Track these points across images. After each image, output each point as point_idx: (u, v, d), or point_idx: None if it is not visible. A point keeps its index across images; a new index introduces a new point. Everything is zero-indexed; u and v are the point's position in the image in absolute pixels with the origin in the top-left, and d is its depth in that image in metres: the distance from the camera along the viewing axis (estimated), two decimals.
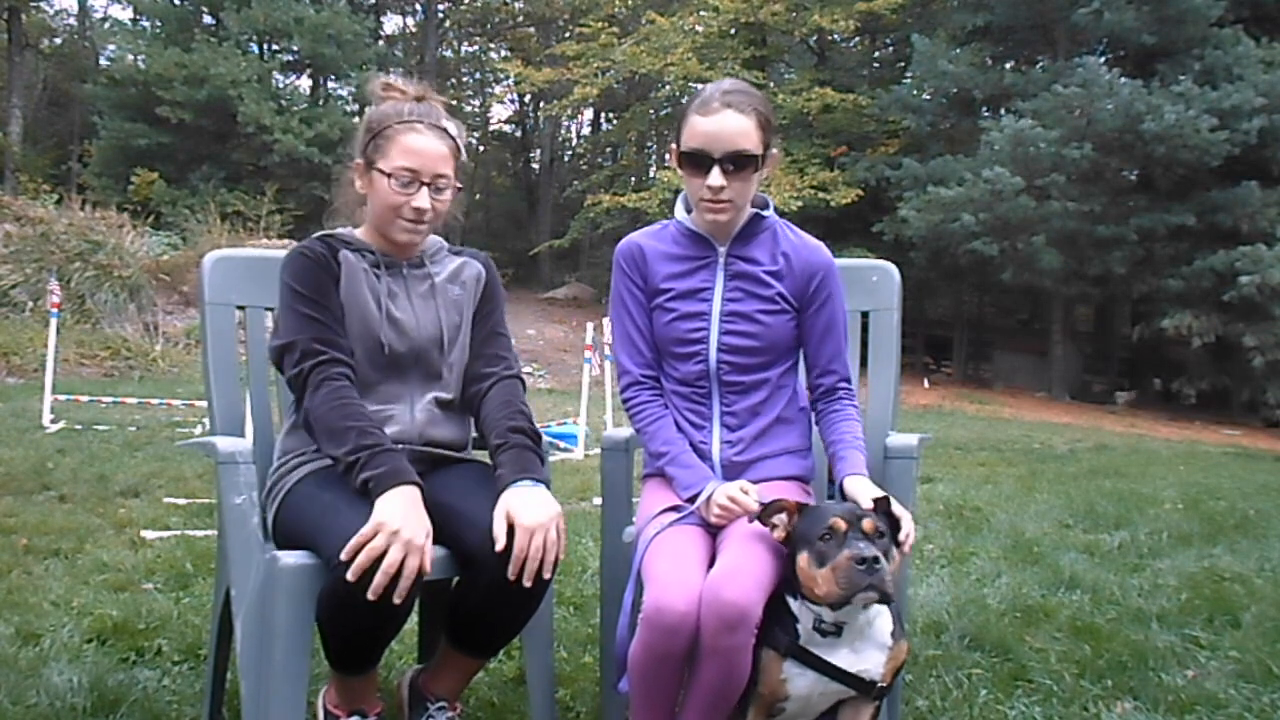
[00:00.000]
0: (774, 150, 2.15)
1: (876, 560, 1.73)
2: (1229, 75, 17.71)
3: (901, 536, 1.88)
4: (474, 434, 2.27)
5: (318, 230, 2.24)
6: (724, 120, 2.05)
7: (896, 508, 1.89)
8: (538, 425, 2.14)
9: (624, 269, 2.25)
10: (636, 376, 2.24)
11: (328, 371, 2.01)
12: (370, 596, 1.75)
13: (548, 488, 2.00)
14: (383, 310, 2.12)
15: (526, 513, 1.90)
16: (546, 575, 1.92)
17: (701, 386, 2.20)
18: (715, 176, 2.06)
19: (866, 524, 1.81)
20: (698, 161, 2.08)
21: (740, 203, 2.14)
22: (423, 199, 2.10)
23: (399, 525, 1.79)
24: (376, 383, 2.12)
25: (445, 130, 2.14)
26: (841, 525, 1.80)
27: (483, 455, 2.20)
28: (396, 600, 1.78)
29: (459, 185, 2.17)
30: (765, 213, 2.21)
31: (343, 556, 1.76)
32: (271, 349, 2.13)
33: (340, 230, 2.21)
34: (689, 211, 2.23)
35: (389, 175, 2.09)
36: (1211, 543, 4.96)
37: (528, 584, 1.89)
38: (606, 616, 2.32)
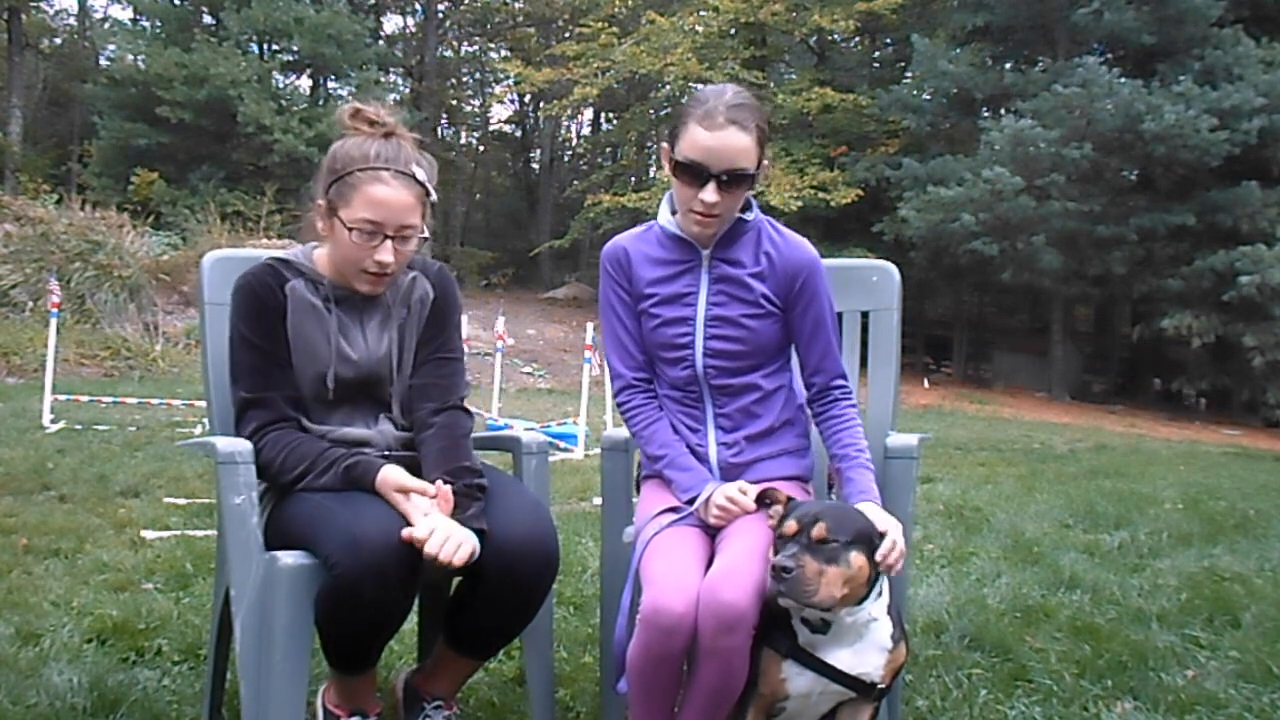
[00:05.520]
0: (766, 161, 2.12)
1: (787, 570, 1.76)
2: (1229, 75, 17.69)
3: (879, 555, 1.86)
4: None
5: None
6: (726, 137, 2.01)
7: (889, 529, 1.89)
8: (537, 425, 2.13)
9: (610, 273, 2.23)
10: (629, 380, 2.22)
11: (267, 432, 2.02)
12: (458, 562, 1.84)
13: (480, 536, 1.91)
14: (333, 346, 2.07)
15: (424, 524, 1.86)
16: (459, 561, 1.85)
17: (692, 391, 2.19)
18: (710, 193, 2.03)
19: (816, 530, 1.80)
20: (694, 173, 2.04)
21: (729, 215, 2.12)
22: (386, 252, 2.00)
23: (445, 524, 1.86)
24: (327, 413, 2.09)
25: (413, 177, 2.02)
26: (792, 529, 1.83)
27: (482, 454, 2.19)
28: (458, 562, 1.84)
29: (425, 234, 2.06)
30: (748, 215, 2.17)
31: (441, 556, 1.82)
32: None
33: (296, 254, 2.12)
34: (673, 213, 2.20)
35: (350, 229, 1.99)
36: (1211, 543, 4.96)
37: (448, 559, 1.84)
38: (606, 617, 2.32)
